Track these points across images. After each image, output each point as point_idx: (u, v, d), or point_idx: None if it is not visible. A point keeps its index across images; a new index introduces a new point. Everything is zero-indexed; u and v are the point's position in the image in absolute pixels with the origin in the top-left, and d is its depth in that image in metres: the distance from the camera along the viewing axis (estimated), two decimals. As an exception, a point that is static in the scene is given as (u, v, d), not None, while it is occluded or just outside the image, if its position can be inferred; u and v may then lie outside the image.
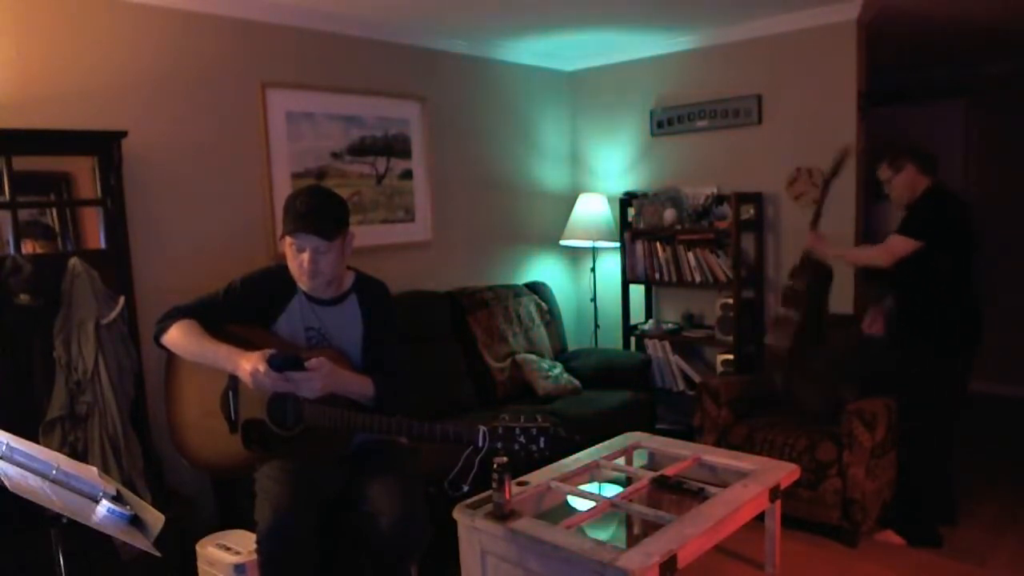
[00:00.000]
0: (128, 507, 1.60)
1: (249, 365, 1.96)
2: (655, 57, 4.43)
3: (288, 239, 2.10)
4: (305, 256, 2.08)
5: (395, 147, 3.93)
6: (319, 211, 2.06)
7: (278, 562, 2.01)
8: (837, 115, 3.78)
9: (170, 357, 2.22)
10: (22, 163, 2.57)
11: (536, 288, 4.46)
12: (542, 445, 1.92)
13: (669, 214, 4.23)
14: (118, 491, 1.62)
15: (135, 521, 1.61)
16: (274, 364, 1.95)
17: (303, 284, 2.15)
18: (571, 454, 2.86)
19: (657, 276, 4.36)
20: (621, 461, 2.92)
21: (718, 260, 4.07)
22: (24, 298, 2.46)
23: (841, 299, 3.79)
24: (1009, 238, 5.14)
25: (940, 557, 2.94)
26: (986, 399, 5.09)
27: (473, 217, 4.38)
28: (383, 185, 3.89)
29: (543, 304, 4.37)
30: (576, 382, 3.99)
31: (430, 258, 4.14)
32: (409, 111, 3.98)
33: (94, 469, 1.64)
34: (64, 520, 1.57)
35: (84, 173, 2.77)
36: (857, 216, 3.79)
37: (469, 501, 2.36)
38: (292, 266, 2.13)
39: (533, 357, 4.00)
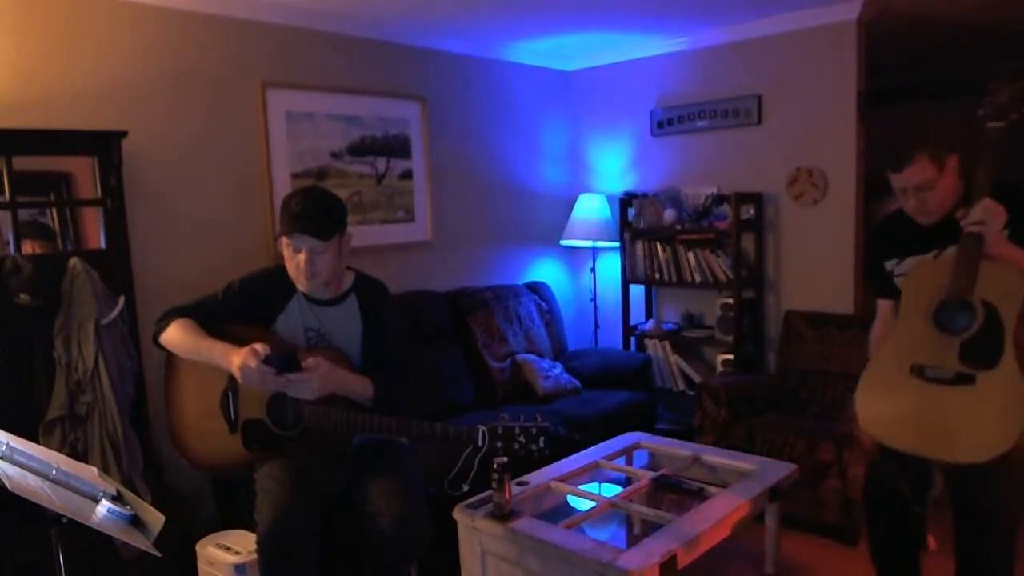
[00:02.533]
0: (128, 507, 1.61)
1: (239, 359, 1.97)
2: (655, 57, 4.43)
3: (284, 240, 2.10)
4: (301, 257, 2.08)
5: (395, 147, 3.93)
6: (315, 211, 2.07)
7: (278, 562, 2.00)
8: (837, 115, 3.78)
9: (169, 358, 2.22)
10: (22, 163, 2.57)
11: (536, 288, 4.46)
12: (542, 444, 1.92)
13: (669, 214, 4.23)
14: (118, 491, 1.62)
15: (135, 521, 1.61)
16: (271, 362, 1.96)
17: (300, 285, 2.16)
18: (571, 453, 2.86)
19: (657, 276, 4.36)
20: (621, 461, 2.92)
21: (718, 260, 4.07)
22: (24, 298, 2.46)
23: (841, 299, 3.81)
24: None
25: (943, 558, 2.93)
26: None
27: (473, 217, 4.38)
28: (383, 185, 3.89)
29: (543, 304, 4.37)
30: (576, 382, 3.99)
31: (430, 258, 4.14)
32: (409, 111, 3.98)
33: (94, 469, 1.64)
34: (64, 520, 1.57)
35: (84, 173, 2.76)
36: (857, 218, 3.79)
37: (469, 501, 2.37)
38: (289, 267, 2.14)
39: (533, 357, 4.00)
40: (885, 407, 2.00)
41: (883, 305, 2.28)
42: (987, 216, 1.85)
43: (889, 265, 2.21)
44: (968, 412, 1.85)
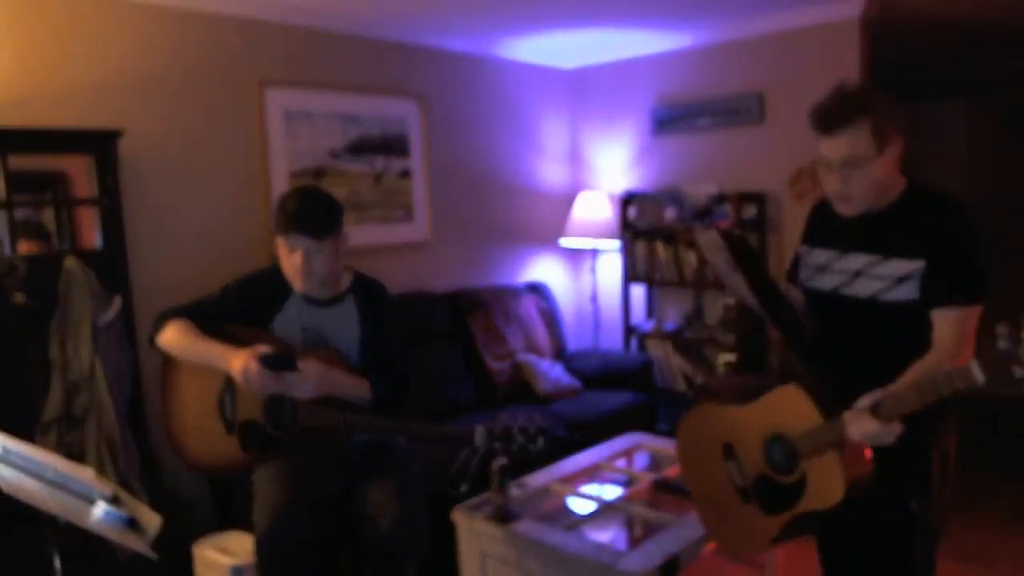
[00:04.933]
0: (124, 509, 1.60)
1: (240, 363, 1.95)
2: (656, 55, 4.42)
3: (281, 239, 2.08)
4: (297, 256, 2.06)
5: (394, 146, 3.91)
6: (310, 211, 2.05)
7: (277, 565, 1.99)
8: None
9: (167, 358, 2.20)
10: (18, 162, 2.56)
11: (536, 288, 4.45)
12: (540, 445, 1.91)
13: (670, 213, 4.22)
14: (114, 493, 1.61)
15: (131, 523, 1.60)
16: (267, 363, 1.94)
17: (297, 285, 2.14)
18: (571, 455, 2.85)
19: (657, 276, 4.34)
20: (622, 462, 2.90)
21: (719, 260, 4.05)
22: (19, 298, 2.45)
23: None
24: (1013, 239, 5.12)
25: (943, 559, 2.91)
26: (992, 400, 5.07)
27: (473, 217, 4.36)
28: (381, 184, 3.87)
29: (543, 304, 4.35)
30: (577, 383, 3.97)
31: (429, 258, 4.13)
32: (408, 110, 3.96)
33: (90, 471, 1.63)
34: (60, 522, 1.56)
35: (81, 172, 2.75)
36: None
37: (469, 503, 2.35)
38: (286, 267, 2.12)
39: (533, 358, 3.98)
40: (693, 437, 1.99)
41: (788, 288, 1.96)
42: (873, 437, 1.50)
43: (801, 250, 1.95)
44: (726, 514, 1.86)
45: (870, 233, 1.69)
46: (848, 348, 1.75)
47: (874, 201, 1.67)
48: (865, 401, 1.50)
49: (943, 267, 1.58)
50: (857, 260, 1.72)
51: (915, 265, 1.61)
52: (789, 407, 1.68)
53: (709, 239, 1.85)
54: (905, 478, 1.68)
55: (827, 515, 1.68)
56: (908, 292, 1.63)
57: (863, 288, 1.70)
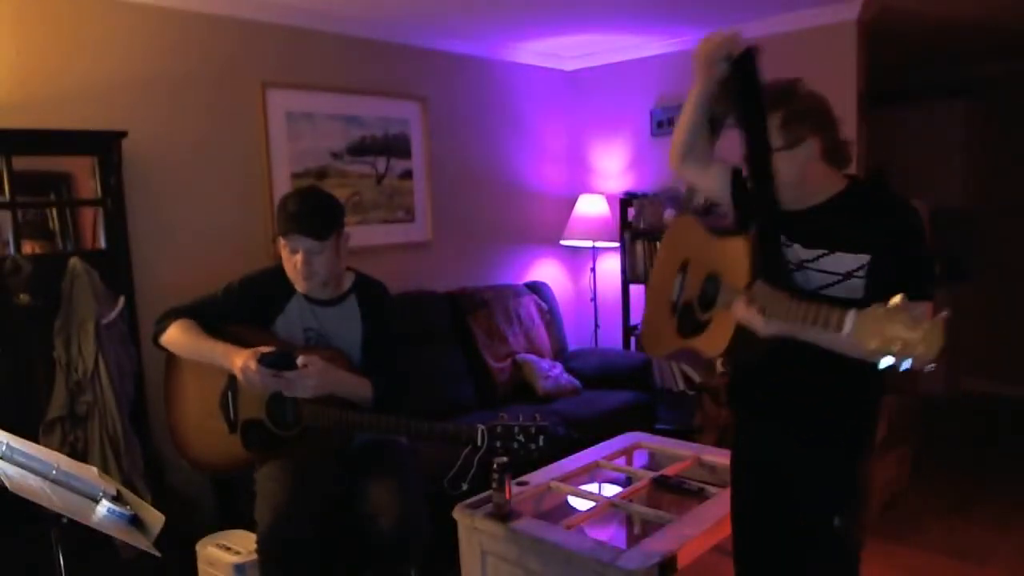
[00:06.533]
0: (128, 507, 1.61)
1: (240, 361, 1.97)
2: (655, 56, 4.43)
3: (282, 240, 2.10)
4: (299, 257, 2.08)
5: (395, 147, 3.93)
6: (311, 212, 2.07)
7: (278, 563, 2.01)
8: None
9: (169, 357, 2.22)
10: (22, 163, 2.57)
11: (536, 288, 4.46)
12: (541, 444, 1.92)
13: (669, 214, 4.23)
14: (118, 491, 1.62)
15: (135, 521, 1.61)
16: (266, 362, 1.96)
17: (298, 285, 2.15)
18: (570, 453, 2.86)
19: (657, 276, 4.36)
20: (621, 461, 2.92)
21: (718, 260, 4.06)
22: (24, 298, 2.46)
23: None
24: (1011, 238, 5.13)
25: (940, 557, 2.94)
26: (986, 399, 5.10)
27: (473, 217, 4.38)
28: (383, 185, 3.89)
29: (543, 304, 4.37)
30: (576, 382, 3.99)
31: (430, 258, 4.14)
32: (409, 111, 3.98)
33: (94, 469, 1.65)
34: (64, 520, 1.58)
35: (84, 173, 2.77)
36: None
37: (469, 501, 2.36)
38: (287, 267, 2.14)
39: (533, 357, 4.00)
40: (673, 237, 2.17)
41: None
42: (743, 320, 1.57)
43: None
44: (656, 313, 2.04)
45: (811, 227, 1.68)
46: (782, 341, 1.61)
47: (789, 193, 1.72)
48: (751, 292, 1.57)
49: (888, 262, 1.57)
50: (799, 253, 1.69)
51: (861, 260, 1.59)
52: (733, 258, 1.72)
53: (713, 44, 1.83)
54: (829, 494, 1.71)
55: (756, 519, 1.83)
56: (853, 291, 1.60)
57: (806, 281, 1.67)
